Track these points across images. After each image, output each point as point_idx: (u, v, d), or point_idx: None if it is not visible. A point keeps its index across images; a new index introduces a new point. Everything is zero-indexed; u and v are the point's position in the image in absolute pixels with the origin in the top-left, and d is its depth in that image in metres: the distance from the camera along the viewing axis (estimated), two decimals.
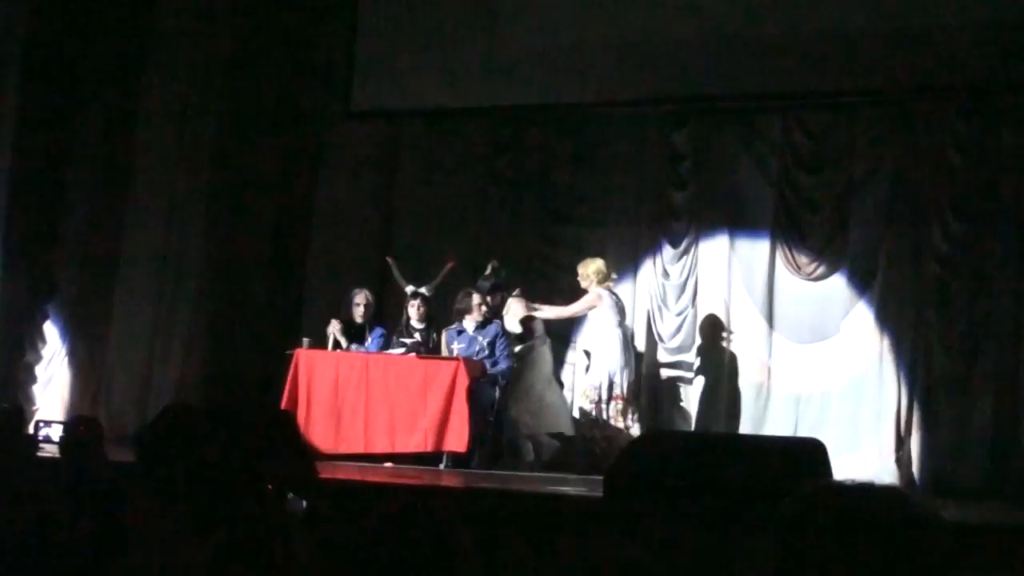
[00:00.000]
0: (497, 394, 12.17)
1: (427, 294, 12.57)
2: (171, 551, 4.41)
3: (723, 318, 12.68)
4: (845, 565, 2.16)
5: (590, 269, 12.23)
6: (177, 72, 14.03)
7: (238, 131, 14.06)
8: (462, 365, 11.75)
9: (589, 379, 12.14)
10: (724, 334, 12.68)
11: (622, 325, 12.22)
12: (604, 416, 12.00)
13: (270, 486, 4.96)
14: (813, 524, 2.20)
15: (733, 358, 12.60)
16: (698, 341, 12.76)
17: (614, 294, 12.29)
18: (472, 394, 11.70)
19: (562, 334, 12.98)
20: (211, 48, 14.06)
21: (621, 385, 12.03)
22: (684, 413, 12.66)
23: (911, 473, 11.62)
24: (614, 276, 12.41)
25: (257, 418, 9.74)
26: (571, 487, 9.90)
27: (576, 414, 12.30)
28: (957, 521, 7.69)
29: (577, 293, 12.38)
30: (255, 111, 14.08)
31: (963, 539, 6.94)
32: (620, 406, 11.97)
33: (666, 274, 12.96)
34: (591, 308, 12.21)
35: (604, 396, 11.98)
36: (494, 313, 12.51)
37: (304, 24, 14.11)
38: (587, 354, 12.38)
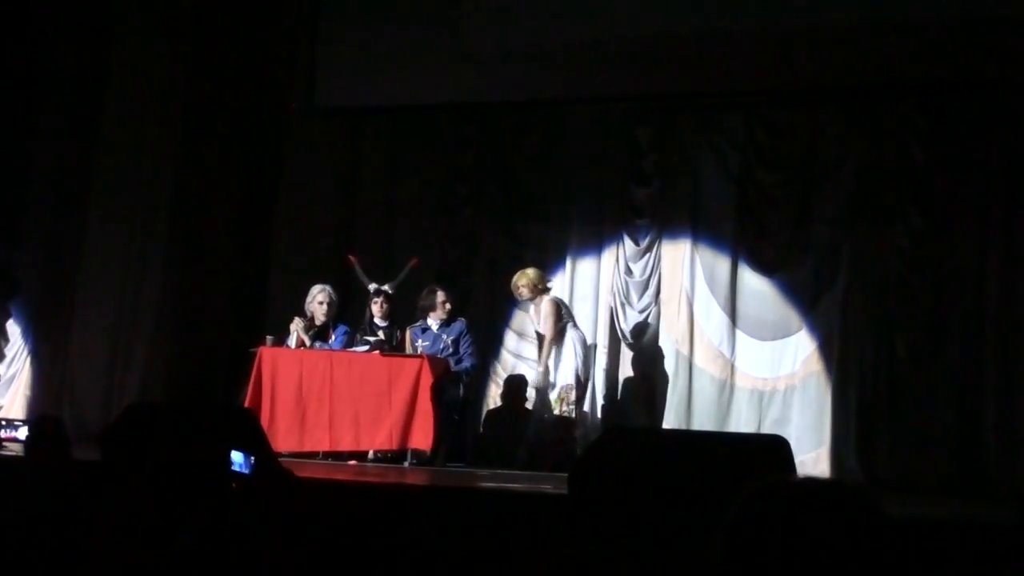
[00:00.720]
0: (461, 392, 12.20)
1: (390, 291, 12.56)
2: (136, 550, 4.40)
3: (686, 315, 12.71)
4: (791, 562, 2.18)
5: (532, 279, 12.28)
6: (139, 70, 13.97)
7: (201, 128, 14.01)
8: (426, 363, 11.76)
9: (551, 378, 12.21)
10: (686, 331, 12.71)
11: (575, 326, 12.29)
12: (568, 415, 12.05)
13: (232, 483, 4.97)
14: (758, 521, 2.22)
15: (697, 355, 12.63)
16: (661, 338, 12.79)
17: (558, 297, 12.42)
18: (436, 392, 11.71)
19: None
20: (172, 46, 13.99)
21: (582, 384, 12.10)
22: (648, 410, 12.67)
23: (874, 470, 11.67)
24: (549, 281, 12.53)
25: (219, 416, 9.75)
26: (534, 484, 9.91)
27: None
28: (919, 517, 7.75)
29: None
30: (217, 109, 14.03)
31: (921, 535, 6.99)
32: (577, 405, 12.05)
33: (629, 271, 12.99)
34: (557, 319, 12.27)
35: (568, 397, 12.03)
36: (458, 311, 12.55)
37: (265, 22, 14.07)
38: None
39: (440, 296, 12.39)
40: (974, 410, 11.49)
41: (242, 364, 12.40)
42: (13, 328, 13.88)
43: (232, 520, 4.00)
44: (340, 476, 9.97)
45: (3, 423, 11.85)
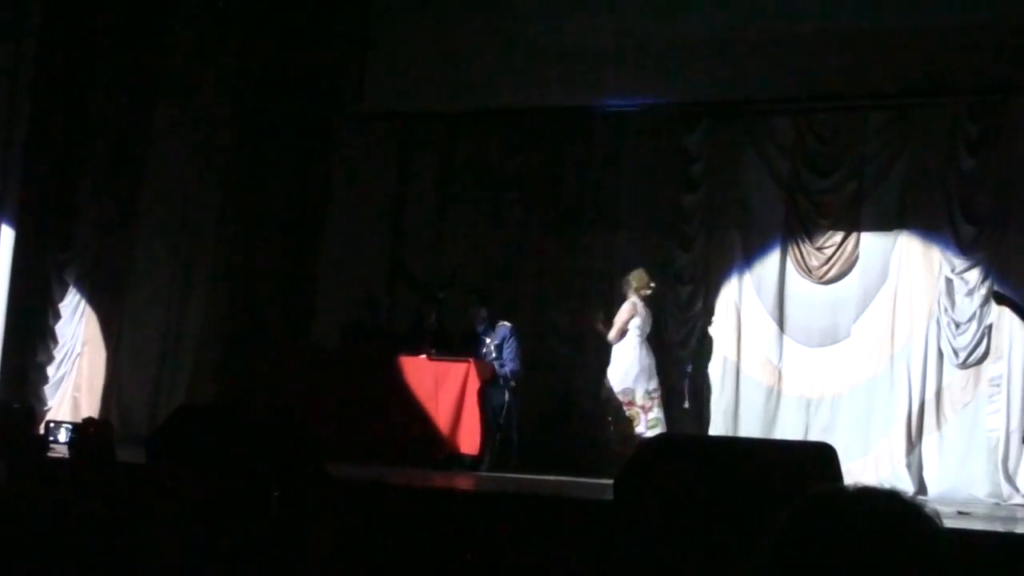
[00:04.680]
0: (507, 396, 12.17)
1: (440, 297, 12.59)
2: (183, 552, 4.42)
3: (734, 322, 12.68)
4: (841, 571, 2.15)
5: (630, 276, 12.24)
6: (190, 76, 14.02)
7: (250, 134, 14.06)
8: (473, 366, 11.76)
9: (608, 384, 12.17)
10: (734, 338, 12.67)
11: (643, 336, 12.20)
12: (619, 421, 12.02)
13: (280, 486, 4.97)
14: (809, 530, 2.20)
15: (744, 362, 12.60)
16: (710, 345, 12.75)
17: (647, 306, 12.29)
18: (483, 396, 11.71)
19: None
20: (222, 53, 14.04)
21: (635, 392, 12.04)
22: (696, 417, 12.64)
23: (922, 478, 11.61)
24: (651, 285, 12.35)
25: (266, 418, 9.77)
26: (582, 491, 9.89)
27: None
28: (962, 528, 7.70)
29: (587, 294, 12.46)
30: (267, 115, 14.06)
31: (965, 547, 6.94)
32: (634, 412, 11.98)
33: (678, 277, 12.96)
34: (629, 317, 12.20)
35: (619, 401, 12.00)
36: (505, 316, 12.54)
37: (317, 28, 14.10)
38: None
39: (478, 311, 12.43)
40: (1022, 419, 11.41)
41: (290, 366, 12.41)
42: (62, 330, 13.92)
43: (277, 522, 4.01)
44: (391, 480, 9.96)
45: (51, 424, 11.88)
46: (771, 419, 12.37)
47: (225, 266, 13.99)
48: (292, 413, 11.18)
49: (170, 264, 13.98)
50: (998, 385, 11.58)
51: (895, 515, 2.20)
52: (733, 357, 12.65)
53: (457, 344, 12.43)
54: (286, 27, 14.08)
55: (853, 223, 12.33)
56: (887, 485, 2.41)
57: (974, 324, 11.71)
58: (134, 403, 13.69)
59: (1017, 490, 11.22)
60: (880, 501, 2.24)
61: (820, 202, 12.53)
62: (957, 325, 11.77)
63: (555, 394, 13.13)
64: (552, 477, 11.40)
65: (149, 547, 4.68)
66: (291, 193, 14.27)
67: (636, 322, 12.11)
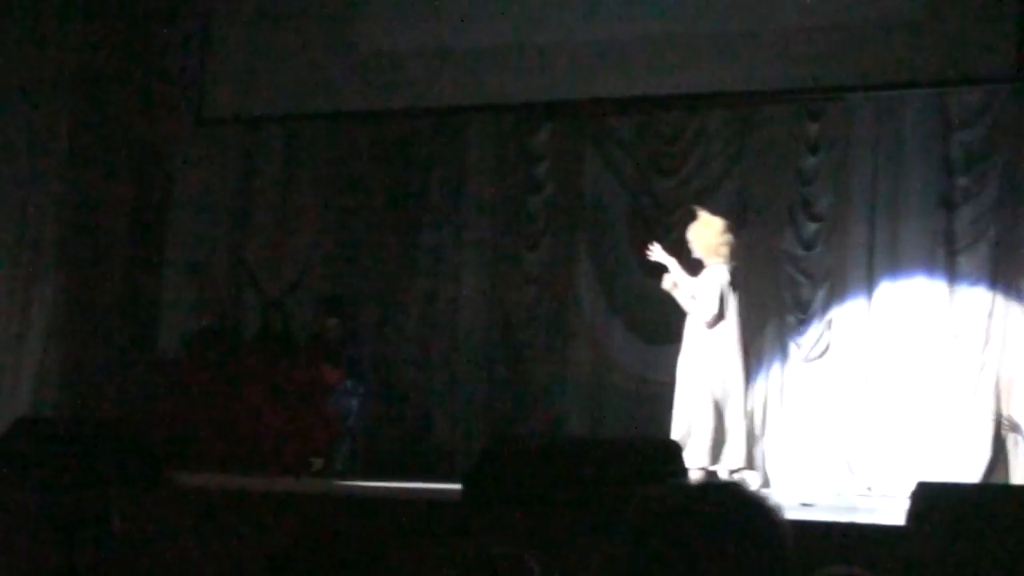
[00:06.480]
0: (354, 402, 12.13)
1: (285, 302, 12.54)
2: (23, 561, 4.34)
3: (582, 320, 12.74)
4: (683, 564, 2.17)
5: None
6: (24, 76, 13.74)
7: (89, 140, 13.83)
8: (320, 372, 11.73)
9: None
10: (588, 337, 12.72)
11: None
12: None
13: (117, 497, 4.90)
14: (651, 524, 2.21)
15: (593, 359, 12.66)
16: (561, 343, 12.80)
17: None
18: (330, 402, 11.68)
19: None
20: (60, 52, 13.79)
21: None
22: (533, 413, 12.68)
23: (766, 471, 11.76)
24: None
25: (107, 429, 9.64)
26: (430, 494, 9.88)
27: None
28: (805, 520, 7.83)
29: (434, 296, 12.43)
30: (106, 120, 13.84)
31: (809, 537, 7.05)
32: None
33: (525, 278, 12.99)
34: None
35: None
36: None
37: (156, 31, 13.92)
38: None
39: (326, 318, 12.40)
40: (862, 415, 11.61)
41: (136, 372, 12.27)
42: None
43: (116, 533, 3.96)
44: (237, 487, 9.86)
45: None
46: (626, 414, 12.42)
47: (66, 277, 13.74)
48: (135, 423, 11.04)
49: (9, 275, 13.70)
50: (841, 379, 11.77)
51: (735, 508, 2.22)
52: (584, 356, 12.69)
53: (304, 350, 12.38)
54: (124, 29, 13.88)
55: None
56: (733, 479, 2.44)
57: (816, 319, 11.88)
58: None
59: (859, 481, 11.43)
60: (721, 494, 2.26)
61: (664, 201, 12.62)
62: (800, 321, 11.93)
63: (402, 399, 13.08)
64: (400, 484, 11.36)
65: None
66: (132, 199, 14.05)
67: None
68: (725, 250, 10.63)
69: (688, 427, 10.32)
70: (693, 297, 10.48)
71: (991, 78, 11.07)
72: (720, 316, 10.43)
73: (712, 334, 10.44)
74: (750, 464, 10.36)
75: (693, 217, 10.87)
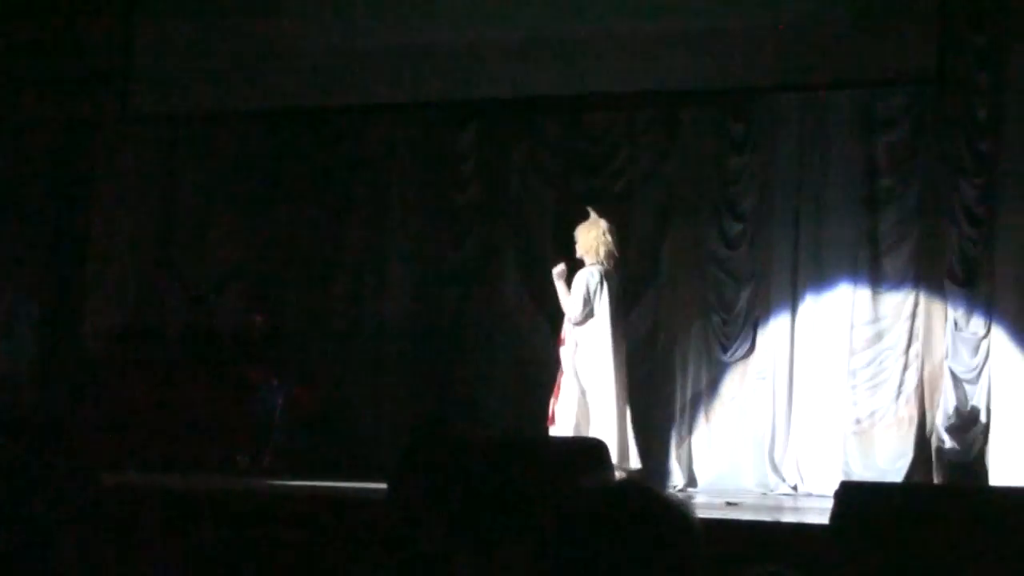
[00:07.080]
0: (280, 400, 12.10)
1: (211, 299, 12.48)
2: None
3: (510, 318, 12.76)
4: (597, 563, 2.19)
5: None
6: None
7: (11, 135, 13.71)
8: (246, 370, 11.70)
9: None
10: (515, 335, 12.73)
11: None
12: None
13: (45, 493, 4.85)
14: (567, 525, 2.23)
15: (516, 354, 12.67)
16: (492, 342, 12.82)
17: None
18: (257, 400, 11.65)
19: None
20: None
21: None
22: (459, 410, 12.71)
23: (692, 471, 11.82)
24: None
25: (29, 424, 9.55)
26: (356, 492, 9.87)
27: None
28: (730, 519, 7.88)
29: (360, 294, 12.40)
30: (26, 115, 13.70)
31: (734, 536, 7.10)
32: None
33: (451, 275, 12.99)
34: None
35: None
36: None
37: (79, 26, 13.79)
38: None
39: (252, 317, 12.36)
40: (786, 414, 11.69)
41: (58, 366, 12.20)
42: None
43: (38, 530, 3.92)
44: (163, 484, 9.83)
45: None
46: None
47: None
48: (59, 420, 10.96)
49: None
50: (764, 378, 11.84)
51: (646, 508, 2.24)
52: (509, 354, 12.70)
53: (229, 347, 12.34)
54: (46, 23, 13.74)
55: (622, 221, 12.46)
56: (657, 478, 2.46)
57: (741, 319, 11.94)
58: None
59: (783, 480, 11.50)
60: (632, 496, 2.28)
61: (590, 200, 12.63)
62: (724, 321, 11.99)
63: (328, 396, 13.05)
64: (326, 483, 11.34)
65: None
66: (55, 196, 13.92)
67: None
68: (603, 251, 10.72)
69: (575, 422, 10.44)
70: (568, 295, 10.59)
71: (915, 79, 11.16)
72: (589, 315, 10.51)
73: (583, 331, 10.56)
74: (622, 462, 10.31)
75: (584, 216, 10.90)
